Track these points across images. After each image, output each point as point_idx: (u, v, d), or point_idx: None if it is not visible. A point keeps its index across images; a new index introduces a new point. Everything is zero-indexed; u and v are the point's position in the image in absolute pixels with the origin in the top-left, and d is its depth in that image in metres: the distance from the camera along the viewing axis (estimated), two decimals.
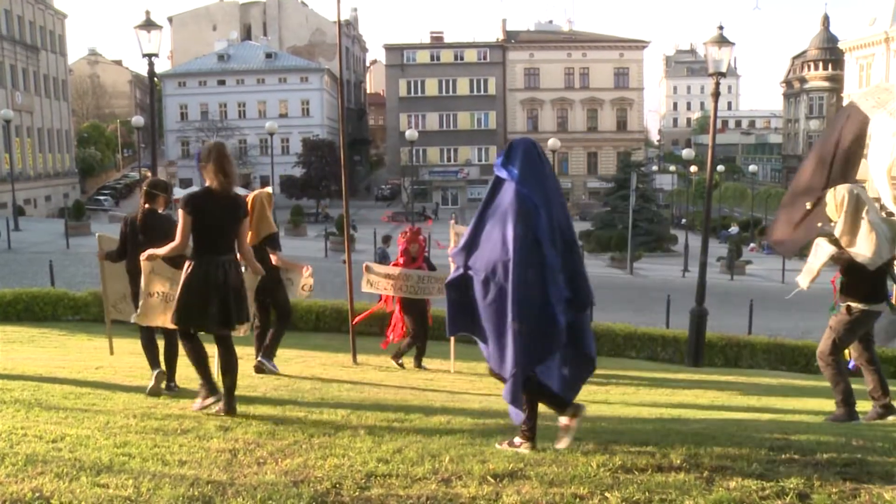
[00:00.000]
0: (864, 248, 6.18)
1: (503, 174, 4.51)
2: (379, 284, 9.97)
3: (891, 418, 6.46)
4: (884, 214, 6.50)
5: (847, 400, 6.42)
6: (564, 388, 4.62)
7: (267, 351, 8.60)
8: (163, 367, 6.70)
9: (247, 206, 6.03)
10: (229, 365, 5.67)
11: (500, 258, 4.30)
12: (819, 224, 7.02)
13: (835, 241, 6.32)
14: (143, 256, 5.93)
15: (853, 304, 6.35)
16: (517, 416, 4.46)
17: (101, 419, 5.09)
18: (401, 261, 10.25)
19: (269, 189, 8.88)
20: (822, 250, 6.37)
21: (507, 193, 4.45)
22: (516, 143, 4.59)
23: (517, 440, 4.57)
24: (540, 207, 4.37)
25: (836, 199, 6.35)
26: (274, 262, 8.31)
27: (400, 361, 10.25)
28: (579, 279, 4.50)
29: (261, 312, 8.53)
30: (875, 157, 7.09)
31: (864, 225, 6.19)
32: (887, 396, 6.56)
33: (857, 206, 6.25)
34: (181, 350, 6.10)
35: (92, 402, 5.76)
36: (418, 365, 10.33)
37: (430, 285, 9.97)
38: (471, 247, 4.50)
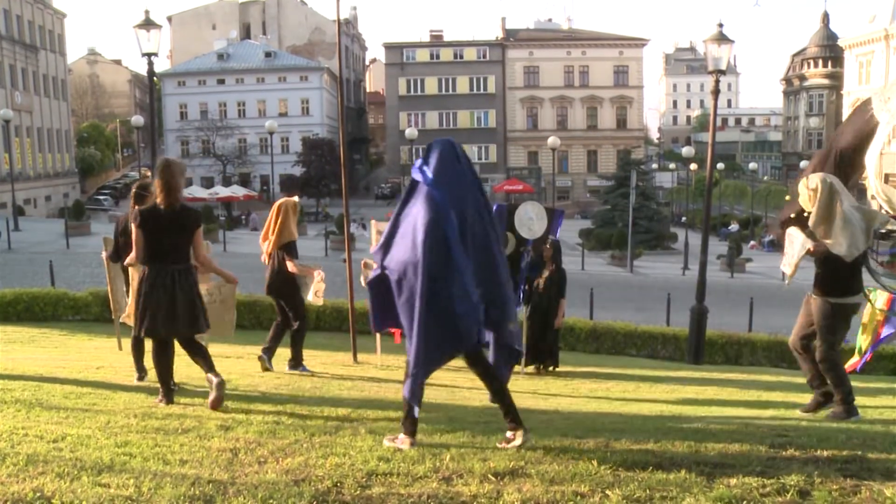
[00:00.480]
0: (839, 239, 6.03)
1: (418, 176, 4.56)
2: None
3: (828, 407, 6.47)
4: (878, 205, 6.45)
5: (847, 398, 6.33)
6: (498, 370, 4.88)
7: (293, 358, 8.79)
8: (148, 369, 6.75)
9: (198, 217, 6.12)
10: (195, 358, 5.99)
11: (411, 259, 4.38)
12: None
13: (810, 233, 6.19)
14: (125, 262, 6.07)
15: (831, 299, 6.20)
16: (414, 411, 4.56)
17: (101, 419, 5.09)
18: None
19: (295, 199, 8.97)
20: (797, 242, 6.23)
21: (420, 195, 4.51)
22: (433, 144, 4.63)
23: (401, 437, 4.57)
24: (451, 210, 4.40)
25: (809, 188, 6.20)
26: (290, 269, 8.44)
27: None
28: (494, 287, 4.54)
29: (281, 314, 8.81)
30: (869, 154, 6.98)
31: (839, 215, 6.04)
32: (826, 385, 6.51)
33: (830, 195, 6.11)
34: (179, 351, 6.13)
35: (93, 402, 5.76)
36: None
37: None
38: (387, 247, 4.57)
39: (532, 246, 10.38)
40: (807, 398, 8.66)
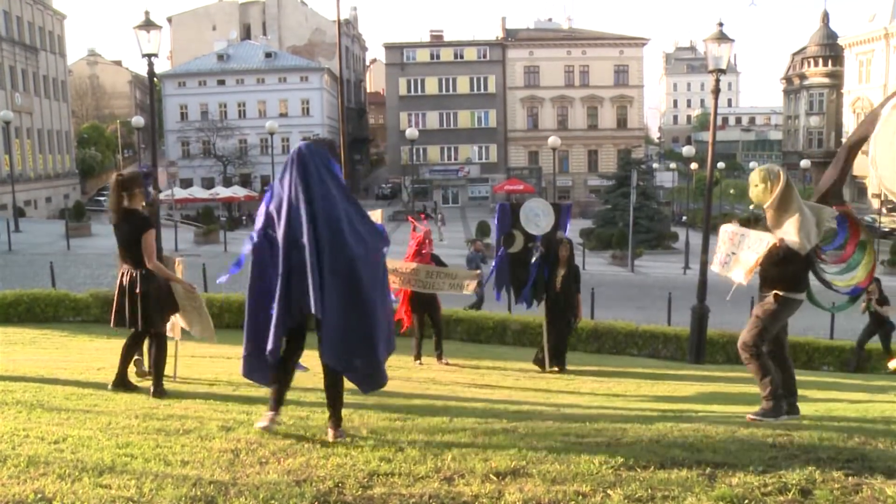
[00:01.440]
0: (792, 231, 5.73)
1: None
2: (389, 278, 10.06)
3: (791, 418, 5.94)
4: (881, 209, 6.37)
5: (775, 392, 5.95)
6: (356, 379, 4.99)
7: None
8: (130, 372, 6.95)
9: (140, 225, 6.39)
10: (154, 356, 6.56)
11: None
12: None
13: (745, 223, 6.06)
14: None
15: (780, 293, 5.90)
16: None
17: (103, 420, 5.09)
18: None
19: None
20: (753, 241, 5.92)
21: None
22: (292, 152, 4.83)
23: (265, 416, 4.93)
24: (276, 212, 4.69)
25: (771, 176, 5.86)
26: None
27: (419, 361, 10.37)
28: (294, 293, 4.62)
29: None
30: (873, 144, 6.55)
31: (796, 207, 5.78)
32: (794, 395, 6.21)
33: (788, 185, 5.81)
34: (182, 352, 6.22)
35: (94, 403, 5.76)
36: (440, 360, 10.47)
37: (439, 280, 10.10)
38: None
39: (541, 242, 10.42)
40: (808, 398, 8.67)
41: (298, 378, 8.13)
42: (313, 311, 4.57)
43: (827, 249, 6.54)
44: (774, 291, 5.91)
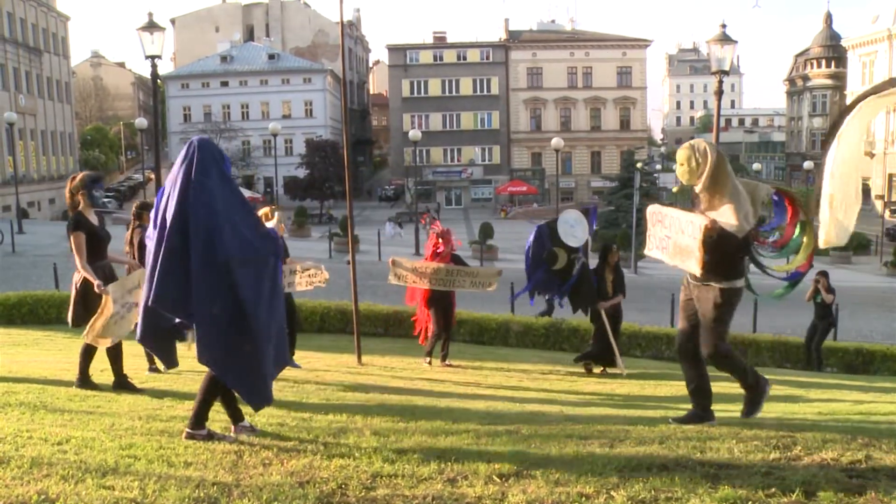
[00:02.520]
0: (729, 213, 5.22)
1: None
2: (406, 278, 10.08)
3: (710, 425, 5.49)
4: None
5: (755, 382, 5.62)
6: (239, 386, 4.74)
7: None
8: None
9: (73, 226, 6.68)
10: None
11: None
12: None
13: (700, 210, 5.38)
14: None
15: (716, 284, 5.36)
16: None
17: (106, 421, 5.10)
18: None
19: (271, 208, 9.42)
20: (684, 224, 5.34)
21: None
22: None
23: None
24: (162, 202, 4.63)
25: (697, 154, 5.30)
26: None
27: (428, 360, 10.36)
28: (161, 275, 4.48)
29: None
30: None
31: (729, 185, 5.27)
32: (709, 400, 5.77)
33: (720, 162, 5.28)
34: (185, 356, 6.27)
35: (97, 405, 5.77)
36: (444, 362, 10.46)
37: (459, 278, 10.10)
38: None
39: (581, 251, 10.53)
40: (812, 396, 8.65)
41: (303, 380, 8.15)
42: (176, 313, 4.59)
43: (764, 230, 6.08)
44: (716, 285, 5.37)
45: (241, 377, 4.59)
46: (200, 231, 4.37)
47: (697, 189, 5.36)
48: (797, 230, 5.79)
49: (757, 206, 5.41)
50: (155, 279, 4.44)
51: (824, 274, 15.20)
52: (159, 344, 5.24)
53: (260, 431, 4.87)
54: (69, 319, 6.85)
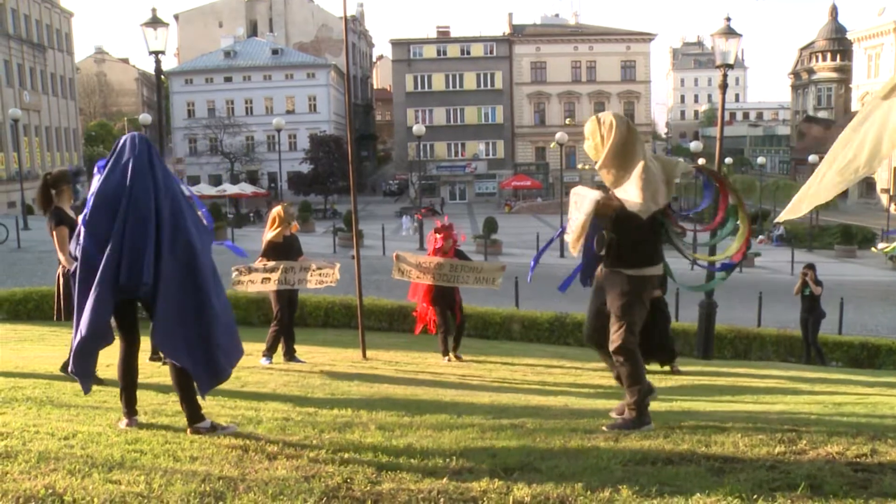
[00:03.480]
0: (633, 191, 4.80)
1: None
2: (410, 273, 10.05)
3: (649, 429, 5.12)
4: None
5: (641, 403, 5.07)
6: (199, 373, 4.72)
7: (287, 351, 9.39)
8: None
9: (55, 220, 6.83)
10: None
11: (77, 245, 4.71)
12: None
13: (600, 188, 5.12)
14: None
15: (623, 270, 5.00)
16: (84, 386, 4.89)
17: (112, 416, 5.11)
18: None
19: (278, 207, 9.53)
20: (584, 200, 4.95)
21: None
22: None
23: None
24: (110, 193, 4.61)
25: (602, 128, 4.97)
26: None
27: (447, 358, 10.33)
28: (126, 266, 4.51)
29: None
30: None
31: (638, 161, 4.85)
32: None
33: (628, 134, 4.91)
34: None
35: (103, 400, 5.78)
36: (454, 353, 10.47)
37: (463, 274, 10.03)
38: (79, 236, 4.80)
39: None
40: (817, 390, 8.64)
41: (308, 375, 8.17)
42: (144, 278, 4.47)
43: (688, 213, 5.74)
44: (623, 271, 5.00)
45: (196, 361, 4.67)
46: (169, 213, 4.58)
47: (599, 165, 5.01)
48: (729, 216, 5.45)
49: (671, 185, 4.99)
50: (129, 263, 4.47)
51: (812, 267, 15.20)
52: (88, 362, 4.89)
53: (232, 429, 4.73)
54: (54, 314, 6.99)
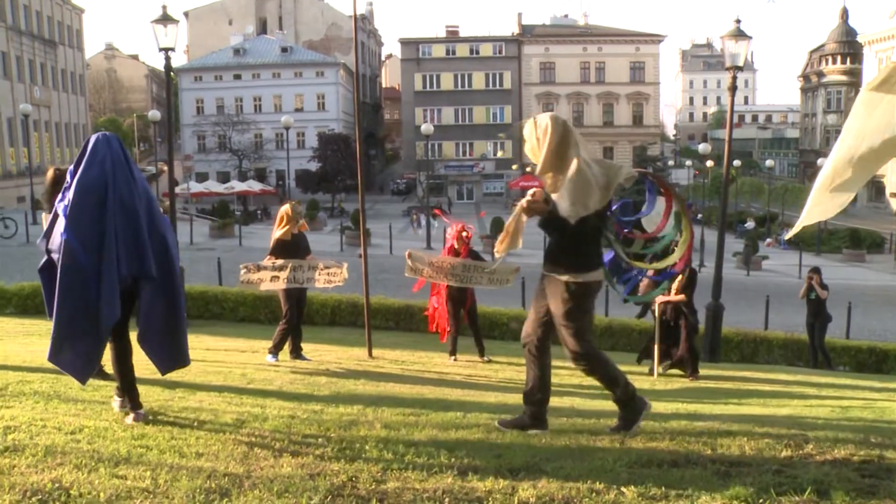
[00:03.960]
0: (564, 195, 4.71)
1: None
2: (423, 272, 10.07)
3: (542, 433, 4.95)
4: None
5: (624, 398, 4.97)
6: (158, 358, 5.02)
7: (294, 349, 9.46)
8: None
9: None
10: None
11: (61, 239, 4.68)
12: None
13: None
14: None
15: (559, 276, 4.84)
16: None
17: (118, 411, 5.12)
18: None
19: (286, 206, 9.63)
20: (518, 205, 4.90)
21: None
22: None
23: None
24: (90, 187, 4.68)
25: (538, 131, 4.82)
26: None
27: (454, 358, 10.36)
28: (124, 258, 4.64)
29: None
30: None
31: (572, 164, 4.73)
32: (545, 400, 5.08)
33: (564, 137, 4.79)
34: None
35: (109, 395, 5.79)
36: (482, 357, 10.55)
37: (476, 275, 10.04)
38: (49, 233, 4.89)
39: None
40: (824, 394, 8.62)
41: (314, 373, 8.17)
42: (147, 267, 4.67)
43: (627, 220, 5.44)
44: (560, 277, 4.86)
45: (162, 346, 4.95)
46: (147, 212, 4.76)
47: (538, 169, 4.87)
48: (673, 222, 5.25)
49: (610, 189, 4.83)
50: (128, 255, 4.62)
51: (817, 270, 15.14)
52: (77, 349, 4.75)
53: (143, 415, 4.88)
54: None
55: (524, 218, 4.86)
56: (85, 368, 4.80)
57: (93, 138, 4.89)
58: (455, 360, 10.31)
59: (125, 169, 4.76)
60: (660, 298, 10.18)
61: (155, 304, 4.82)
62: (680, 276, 9.99)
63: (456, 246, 10.23)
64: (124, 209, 4.64)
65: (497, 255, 5.05)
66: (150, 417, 4.93)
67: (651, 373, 10.21)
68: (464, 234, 10.37)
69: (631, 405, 4.94)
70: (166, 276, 4.83)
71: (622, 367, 10.24)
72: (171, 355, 5.02)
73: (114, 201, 4.61)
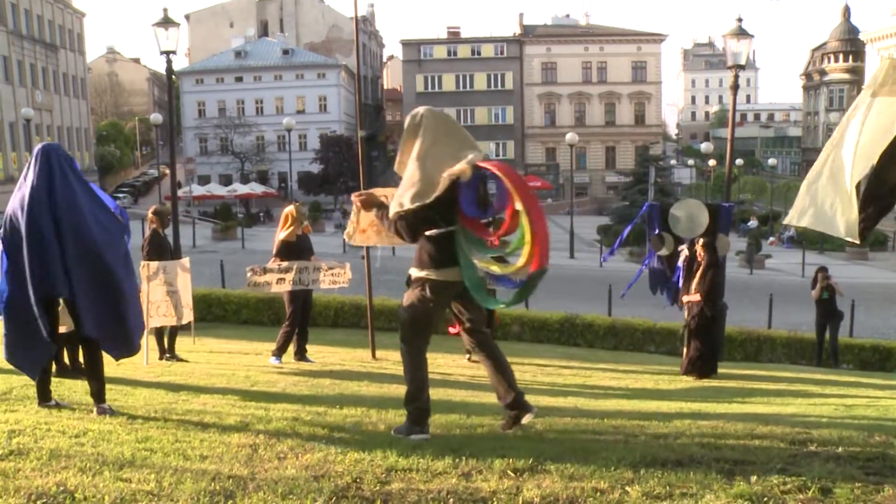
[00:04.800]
0: (405, 181, 4.60)
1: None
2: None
3: (528, 417, 4.87)
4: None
5: (411, 402, 4.79)
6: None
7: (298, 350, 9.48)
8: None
9: None
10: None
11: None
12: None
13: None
14: None
15: (423, 273, 4.68)
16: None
17: (122, 414, 5.13)
18: None
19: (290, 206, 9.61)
20: None
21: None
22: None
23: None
24: (20, 207, 5.06)
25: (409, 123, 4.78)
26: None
27: (469, 357, 10.36)
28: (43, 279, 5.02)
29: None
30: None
31: (410, 155, 4.67)
32: (513, 392, 4.87)
33: (409, 131, 4.74)
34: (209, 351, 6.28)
35: (113, 398, 5.80)
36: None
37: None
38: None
39: (688, 244, 10.03)
40: (828, 392, 8.61)
41: (318, 375, 8.18)
42: (62, 293, 5.07)
43: (484, 216, 4.90)
44: (410, 271, 4.76)
45: (116, 339, 5.30)
46: (69, 223, 5.01)
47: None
48: (521, 222, 4.59)
49: (435, 187, 4.53)
50: (35, 269, 4.98)
51: (825, 270, 15.05)
52: (27, 353, 5.22)
53: (111, 410, 5.20)
54: None
55: (364, 211, 5.07)
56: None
57: (34, 152, 5.21)
58: (470, 359, 10.30)
59: (41, 191, 5.02)
60: (685, 298, 10.13)
61: (97, 301, 5.11)
62: (698, 275, 9.92)
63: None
64: (33, 232, 4.97)
65: (347, 239, 5.40)
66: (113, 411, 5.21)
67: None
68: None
69: (414, 417, 4.71)
70: (101, 275, 5.10)
71: (632, 368, 10.25)
72: (120, 344, 5.35)
73: (29, 226, 4.97)
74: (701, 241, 10.10)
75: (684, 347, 10.26)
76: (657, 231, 10.33)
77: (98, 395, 5.27)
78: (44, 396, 5.33)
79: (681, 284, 10.32)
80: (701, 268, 10.01)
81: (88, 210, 5.16)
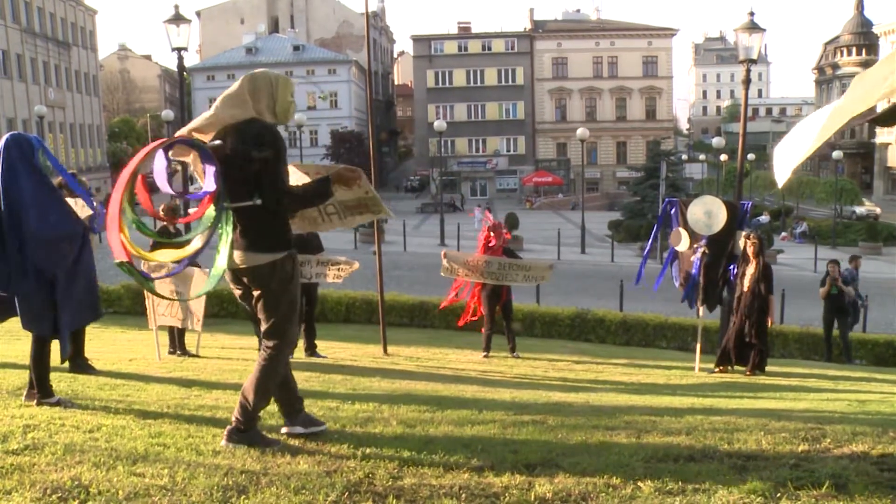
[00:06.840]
0: None
1: None
2: (458, 271, 10.12)
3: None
4: None
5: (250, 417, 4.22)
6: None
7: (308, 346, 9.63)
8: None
9: None
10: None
11: None
12: None
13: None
14: None
15: (264, 255, 4.17)
16: None
17: (135, 409, 5.16)
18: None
19: None
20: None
21: None
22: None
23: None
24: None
25: None
26: None
27: (485, 354, 10.39)
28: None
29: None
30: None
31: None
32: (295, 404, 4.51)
33: (254, 87, 4.41)
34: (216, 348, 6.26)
35: (126, 393, 5.83)
36: (512, 353, 10.57)
37: (512, 272, 10.10)
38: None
39: (706, 243, 10.05)
40: (841, 388, 8.57)
41: (330, 371, 8.19)
42: (14, 288, 5.13)
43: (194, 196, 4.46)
44: (255, 254, 4.22)
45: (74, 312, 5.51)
46: (13, 217, 5.01)
47: None
48: (214, 212, 4.11)
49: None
50: None
51: (836, 263, 14.91)
52: None
53: (69, 402, 5.29)
54: None
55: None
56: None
57: None
58: (486, 356, 10.32)
59: None
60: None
61: (67, 286, 5.34)
62: (753, 270, 9.88)
63: (493, 244, 10.27)
64: None
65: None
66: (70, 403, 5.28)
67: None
68: (503, 231, 10.45)
69: (248, 425, 4.23)
70: (37, 278, 5.15)
71: (644, 363, 10.22)
72: (81, 315, 5.76)
73: None
74: (751, 236, 10.07)
75: (726, 339, 10.22)
76: (676, 226, 10.35)
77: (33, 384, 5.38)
78: (44, 392, 5.35)
79: (702, 283, 10.33)
80: (753, 263, 9.93)
81: (32, 204, 5.10)
